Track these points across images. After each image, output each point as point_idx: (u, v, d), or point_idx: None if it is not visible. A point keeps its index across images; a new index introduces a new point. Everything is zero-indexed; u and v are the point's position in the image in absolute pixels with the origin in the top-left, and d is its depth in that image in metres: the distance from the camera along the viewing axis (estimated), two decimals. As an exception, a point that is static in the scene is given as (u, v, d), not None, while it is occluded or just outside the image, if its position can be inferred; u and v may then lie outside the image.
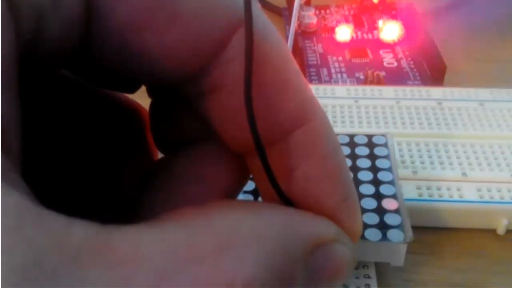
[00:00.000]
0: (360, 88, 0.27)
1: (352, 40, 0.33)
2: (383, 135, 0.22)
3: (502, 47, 0.33)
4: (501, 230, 0.21)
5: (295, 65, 0.11)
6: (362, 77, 0.30)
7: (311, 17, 0.34)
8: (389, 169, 0.20)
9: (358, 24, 0.35)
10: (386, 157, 0.20)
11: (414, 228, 0.18)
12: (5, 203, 0.07)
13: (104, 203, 0.13)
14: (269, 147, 0.11)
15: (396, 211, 0.18)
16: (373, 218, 0.18)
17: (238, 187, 0.13)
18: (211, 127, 0.12)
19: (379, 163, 0.20)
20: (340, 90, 0.26)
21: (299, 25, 0.34)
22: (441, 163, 0.22)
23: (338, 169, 0.12)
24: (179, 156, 0.13)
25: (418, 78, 0.30)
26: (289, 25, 0.28)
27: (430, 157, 0.22)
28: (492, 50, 0.33)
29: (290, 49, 0.27)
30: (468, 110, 0.25)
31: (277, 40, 0.11)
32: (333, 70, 0.31)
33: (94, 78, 0.13)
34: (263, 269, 0.09)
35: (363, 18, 0.36)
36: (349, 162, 0.20)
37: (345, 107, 0.25)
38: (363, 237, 0.17)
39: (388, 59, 0.32)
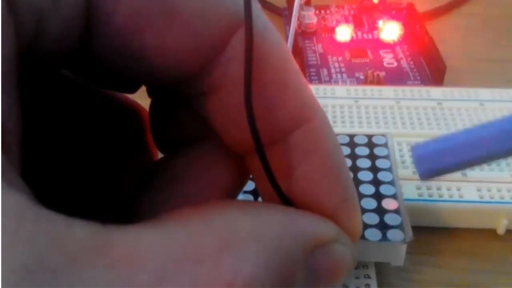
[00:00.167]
0: (360, 88, 0.27)
1: (352, 40, 0.33)
2: (383, 135, 0.22)
3: (502, 47, 0.33)
4: (501, 230, 0.21)
5: (295, 65, 0.11)
6: (362, 77, 0.30)
7: (311, 17, 0.34)
8: (389, 169, 0.20)
9: (358, 24, 0.35)
10: (386, 157, 0.20)
11: (414, 228, 0.18)
12: (5, 203, 0.07)
13: (104, 203, 0.13)
14: (269, 147, 0.11)
15: (396, 211, 0.18)
16: (373, 218, 0.18)
17: (238, 187, 0.13)
18: (211, 127, 0.12)
19: (379, 163, 0.20)
20: (340, 90, 0.26)
21: (299, 25, 0.34)
22: (441, 163, 0.22)
23: (338, 169, 0.12)
24: (179, 156, 0.13)
25: (418, 78, 0.30)
26: (289, 25, 0.28)
27: (430, 157, 0.22)
28: (492, 50, 0.33)
29: (290, 49, 0.27)
30: (468, 110, 0.25)
31: (277, 40, 0.11)
32: (333, 70, 0.31)
33: (94, 78, 0.13)
34: (263, 269, 0.09)
35: (363, 18, 0.36)
36: (349, 162, 0.20)
37: (345, 107, 0.25)
38: (363, 237, 0.17)
39: (388, 59, 0.32)
